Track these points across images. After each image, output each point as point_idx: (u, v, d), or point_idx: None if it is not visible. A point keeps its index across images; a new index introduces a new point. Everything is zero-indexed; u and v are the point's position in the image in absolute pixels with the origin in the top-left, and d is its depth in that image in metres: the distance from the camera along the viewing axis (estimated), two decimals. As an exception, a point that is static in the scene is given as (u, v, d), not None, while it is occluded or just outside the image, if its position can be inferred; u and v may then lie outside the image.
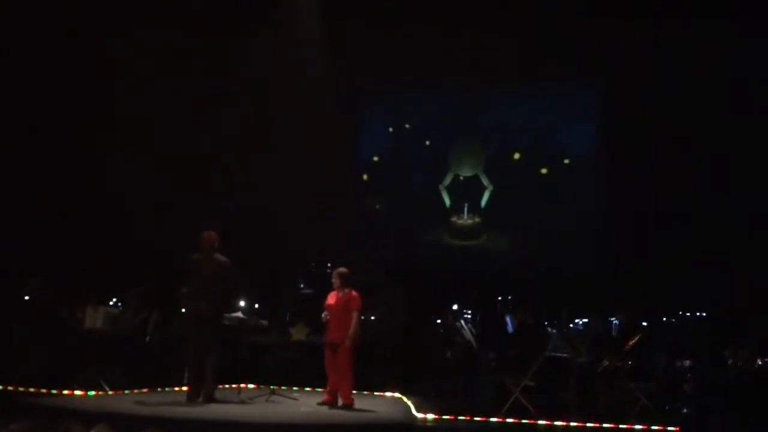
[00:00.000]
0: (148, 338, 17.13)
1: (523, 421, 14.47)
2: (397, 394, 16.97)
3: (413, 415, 14.73)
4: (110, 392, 15.32)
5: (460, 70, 22.82)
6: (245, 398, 15.17)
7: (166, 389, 15.62)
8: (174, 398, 14.65)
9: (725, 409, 15.75)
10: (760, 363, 16.46)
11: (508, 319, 17.78)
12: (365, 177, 24.34)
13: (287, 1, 22.13)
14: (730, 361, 16.36)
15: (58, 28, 21.22)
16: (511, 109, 23.84)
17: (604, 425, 14.24)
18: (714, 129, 21.28)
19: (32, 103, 21.56)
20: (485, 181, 23.60)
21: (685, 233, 20.76)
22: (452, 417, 14.42)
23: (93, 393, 15.09)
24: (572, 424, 14.32)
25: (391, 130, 24.27)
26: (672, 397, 16.21)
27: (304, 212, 21.74)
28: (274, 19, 21.86)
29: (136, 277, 19.89)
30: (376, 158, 24.34)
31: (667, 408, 15.91)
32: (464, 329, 16.60)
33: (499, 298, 20.60)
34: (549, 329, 17.19)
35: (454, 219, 23.60)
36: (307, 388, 17.00)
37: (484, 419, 14.42)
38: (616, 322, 18.21)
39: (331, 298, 15.25)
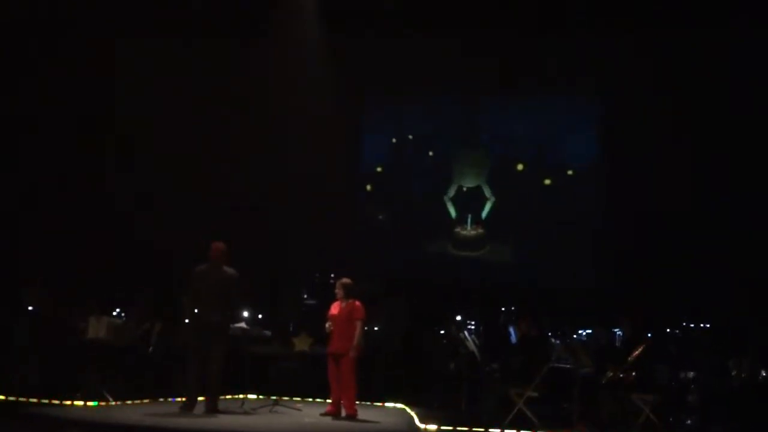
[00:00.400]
0: (151, 348, 17.12)
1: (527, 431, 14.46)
2: (400, 405, 16.96)
3: (416, 425, 14.71)
4: (113, 402, 15.29)
5: (462, 81, 22.81)
6: (248, 409, 15.19)
7: (169, 400, 15.58)
8: (177, 409, 14.58)
9: (729, 421, 15.73)
10: (764, 374, 16.42)
11: (511, 330, 17.74)
12: (368, 187, 24.32)
13: (289, 6, 22.15)
14: (733, 373, 16.30)
15: (58, 29, 21.20)
16: (512, 120, 23.79)
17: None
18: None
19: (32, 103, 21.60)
20: (487, 193, 23.58)
21: (690, 244, 20.71)
22: (455, 428, 14.33)
23: (96, 403, 15.04)
24: (575, 435, 14.35)
25: (394, 140, 24.26)
26: (676, 408, 16.16)
27: (307, 222, 21.75)
28: (275, 23, 21.92)
29: (137, 281, 19.99)
30: (379, 168, 24.31)
31: (670, 419, 15.88)
32: (468, 340, 16.57)
33: (503, 308, 20.56)
34: (552, 340, 17.14)
35: (457, 230, 23.57)
36: (310, 399, 17.00)
37: (487, 430, 14.34)
38: (619, 333, 18.16)
39: (335, 309, 15.26)
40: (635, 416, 15.10)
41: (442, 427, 14.35)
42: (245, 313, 17.91)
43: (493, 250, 23.27)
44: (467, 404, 16.58)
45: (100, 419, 13.57)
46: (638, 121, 22.12)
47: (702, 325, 19.89)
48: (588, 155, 23.22)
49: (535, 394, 15.19)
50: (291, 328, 19.41)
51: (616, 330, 18.41)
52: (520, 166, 23.58)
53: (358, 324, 15.02)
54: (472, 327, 19.65)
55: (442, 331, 19.50)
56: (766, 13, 20.20)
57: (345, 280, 15.40)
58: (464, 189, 23.70)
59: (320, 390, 16.31)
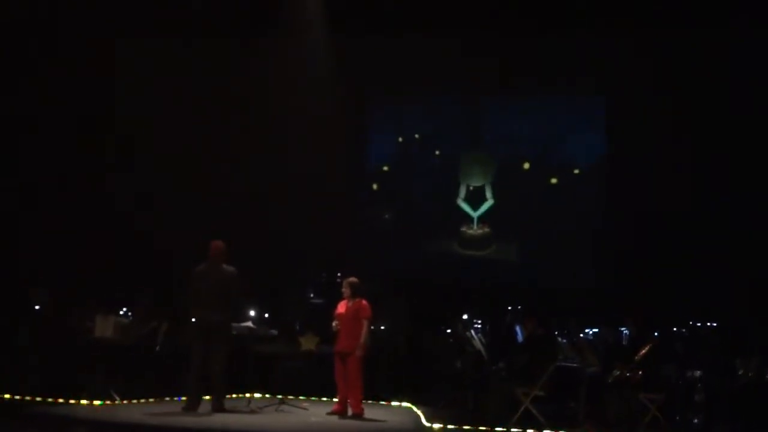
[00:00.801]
0: (157, 347, 17.08)
1: (533, 431, 14.37)
2: (406, 404, 16.95)
3: (423, 424, 14.72)
4: (119, 401, 15.30)
5: (462, 81, 22.74)
6: (255, 408, 15.17)
7: (176, 399, 15.54)
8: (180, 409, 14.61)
9: (736, 420, 15.72)
10: (772, 373, 16.43)
11: (518, 329, 17.71)
12: (374, 186, 24.24)
13: (289, 6, 22.14)
14: (740, 372, 16.26)
15: (58, 29, 21.14)
16: (513, 120, 23.73)
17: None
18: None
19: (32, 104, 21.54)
20: (488, 194, 23.56)
21: (696, 243, 20.74)
22: (462, 427, 14.31)
23: (102, 402, 15.05)
24: (582, 434, 14.35)
25: (400, 139, 24.18)
26: (682, 407, 16.13)
27: (307, 222, 21.69)
28: (275, 23, 21.89)
29: (137, 281, 19.96)
30: (385, 168, 24.23)
31: (677, 418, 15.88)
32: (474, 339, 16.55)
33: (509, 307, 20.53)
34: (559, 339, 17.09)
35: (464, 229, 23.51)
36: (317, 398, 16.98)
37: (493, 429, 14.30)
38: (626, 332, 18.15)
39: (342, 308, 15.27)
40: (642, 415, 15.12)
41: (449, 426, 14.32)
42: (252, 312, 17.88)
43: (499, 249, 23.21)
44: (474, 403, 16.54)
45: (106, 418, 13.60)
46: (638, 121, 22.13)
47: (709, 324, 19.86)
48: (589, 155, 23.15)
49: (542, 393, 15.20)
50: (297, 327, 19.40)
51: (623, 329, 18.38)
52: (526, 165, 23.50)
53: (365, 323, 15.04)
54: (479, 326, 19.61)
55: (448, 330, 19.46)
56: (766, 13, 20.20)
57: (352, 279, 15.42)
58: (471, 188, 23.63)
59: (327, 389, 16.31)
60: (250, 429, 13.54)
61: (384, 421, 14.95)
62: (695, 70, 21.53)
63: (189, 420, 13.80)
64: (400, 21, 21.84)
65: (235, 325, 15.30)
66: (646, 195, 21.65)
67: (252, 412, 14.91)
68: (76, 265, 20.20)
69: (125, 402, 15.36)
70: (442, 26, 21.89)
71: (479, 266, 23.11)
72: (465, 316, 20.16)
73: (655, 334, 17.13)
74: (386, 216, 24.00)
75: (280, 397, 15.79)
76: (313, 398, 17.08)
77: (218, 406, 14.60)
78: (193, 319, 14.92)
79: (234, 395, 15.78)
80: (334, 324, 15.21)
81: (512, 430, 14.37)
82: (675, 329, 19.50)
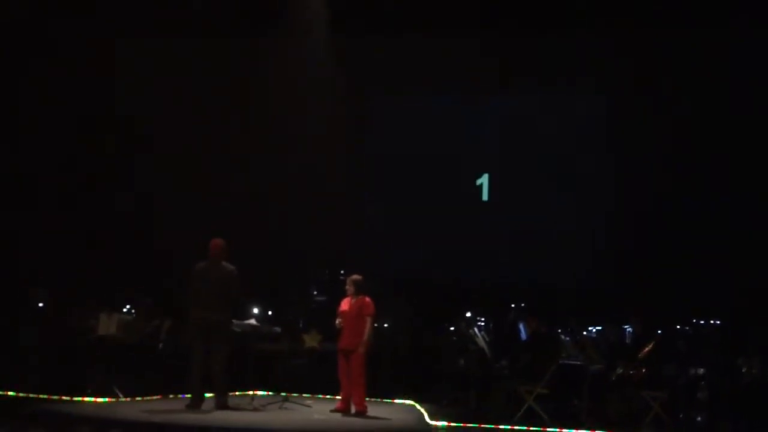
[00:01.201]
0: (160, 345, 17.08)
1: (536, 428, 14.39)
2: (410, 402, 16.91)
3: (426, 422, 14.71)
4: (123, 399, 15.30)
5: (468, 80, 22.74)
6: (258, 406, 15.14)
7: (179, 396, 15.50)
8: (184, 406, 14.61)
9: (738, 418, 15.73)
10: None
11: (521, 327, 17.70)
12: (374, 186, 24.22)
13: (289, 6, 22.19)
14: (743, 370, 16.30)
15: (58, 29, 21.13)
16: (513, 120, 23.72)
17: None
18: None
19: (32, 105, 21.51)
20: (485, 195, 23.66)
21: (699, 241, 20.79)
22: (465, 424, 14.33)
23: (106, 400, 15.07)
24: (585, 432, 14.35)
25: (400, 139, 24.15)
26: (685, 405, 16.16)
27: (312, 222, 21.71)
28: (275, 23, 21.93)
29: (137, 281, 19.96)
30: (385, 167, 24.19)
31: (680, 416, 15.90)
32: (477, 336, 16.56)
33: (512, 305, 20.53)
34: (562, 337, 17.10)
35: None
36: (320, 396, 16.94)
37: (497, 427, 14.33)
38: (629, 330, 18.15)
39: (345, 305, 15.25)
40: (645, 413, 15.14)
41: (452, 424, 14.33)
42: (255, 310, 17.88)
43: (501, 246, 23.21)
44: (477, 401, 16.55)
45: (110, 416, 13.55)
46: (638, 120, 22.18)
47: (712, 322, 19.89)
48: (590, 155, 23.14)
49: (545, 391, 15.24)
50: (301, 325, 19.42)
51: (626, 327, 18.39)
52: (526, 165, 23.50)
53: (368, 320, 15.03)
54: (482, 324, 19.60)
55: (452, 328, 19.47)
56: (766, 13, 20.24)
57: (355, 276, 15.42)
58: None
59: (330, 387, 16.24)
60: (253, 427, 13.47)
61: (387, 418, 14.93)
62: (695, 70, 21.55)
63: (192, 417, 13.77)
64: (400, 21, 21.83)
65: (238, 322, 15.30)
66: (646, 194, 21.69)
67: (255, 409, 14.86)
68: (77, 265, 20.16)
69: (128, 399, 15.34)
70: (442, 26, 21.88)
71: (480, 265, 23.07)
72: (468, 314, 20.17)
73: (659, 332, 17.14)
74: (386, 215, 23.94)
75: (284, 394, 15.74)
76: (317, 396, 17.03)
77: (221, 404, 14.58)
78: (193, 318, 14.86)
79: (237, 393, 15.72)
80: (337, 321, 15.20)
81: (515, 427, 14.37)
82: (678, 327, 19.55)
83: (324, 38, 22.55)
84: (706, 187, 21.13)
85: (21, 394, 14.92)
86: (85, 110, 21.58)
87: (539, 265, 22.64)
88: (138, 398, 15.43)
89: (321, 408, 15.49)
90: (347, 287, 15.33)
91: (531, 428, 14.39)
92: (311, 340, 17.93)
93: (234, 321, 15.14)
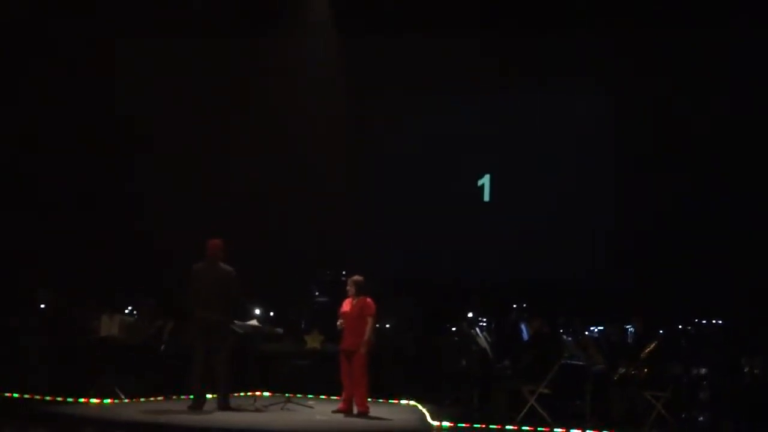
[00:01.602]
0: (163, 346, 17.07)
1: (539, 429, 14.37)
2: (412, 402, 16.93)
3: (428, 422, 14.71)
4: (126, 400, 15.30)
5: (468, 80, 22.76)
6: (260, 406, 15.15)
7: (181, 397, 15.52)
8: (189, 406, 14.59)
9: (740, 418, 15.73)
10: (777, 371, 16.46)
11: (523, 327, 17.71)
12: (374, 186, 24.19)
13: (290, 7, 22.23)
14: (746, 370, 16.31)
15: (58, 29, 21.11)
16: (513, 119, 23.72)
17: (620, 433, 14.28)
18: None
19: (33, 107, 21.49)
20: (485, 196, 23.66)
21: (700, 241, 20.83)
22: (467, 425, 14.31)
23: (108, 401, 15.07)
24: (588, 432, 14.35)
25: (400, 139, 24.14)
26: (688, 405, 16.16)
27: (312, 222, 21.72)
28: (279, 22, 22.00)
29: (137, 281, 19.94)
30: (385, 167, 24.17)
31: (682, 416, 15.88)
32: (479, 337, 16.55)
33: (514, 305, 20.53)
34: (564, 337, 17.10)
35: None
36: (322, 396, 16.96)
37: (499, 427, 14.30)
38: (631, 329, 18.16)
39: (346, 306, 15.26)
40: (647, 413, 15.12)
41: (454, 424, 14.32)
42: (257, 311, 17.89)
43: (503, 246, 23.21)
44: (479, 401, 16.54)
45: (113, 417, 13.59)
46: (638, 120, 22.23)
47: (714, 322, 19.90)
48: (597, 150, 23.15)
49: (547, 391, 15.20)
50: (303, 326, 19.42)
51: (628, 327, 18.39)
52: (527, 164, 23.49)
53: (369, 320, 15.03)
54: (484, 324, 19.59)
55: (453, 328, 19.46)
56: (766, 13, 20.25)
57: (357, 277, 15.42)
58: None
59: (332, 387, 16.23)
60: (255, 427, 13.47)
61: (389, 419, 14.93)
62: (695, 69, 21.57)
63: (194, 418, 13.79)
64: (400, 21, 21.87)
65: (240, 323, 15.30)
66: (647, 194, 21.71)
67: (257, 410, 14.87)
68: (77, 266, 20.14)
69: (131, 400, 15.35)
70: (442, 26, 21.93)
71: (481, 265, 23.06)
72: (470, 315, 20.17)
73: (661, 332, 17.13)
74: (387, 216, 23.90)
75: (286, 395, 15.75)
76: (320, 396, 17.05)
77: (224, 405, 14.60)
78: (194, 318, 14.85)
79: (240, 393, 15.72)
80: (339, 322, 15.21)
81: (518, 428, 14.36)
82: (680, 327, 19.56)
83: (324, 38, 22.59)
84: (706, 187, 21.12)
85: (23, 396, 14.92)
86: (85, 110, 21.53)
87: (540, 264, 22.63)
88: (141, 399, 15.46)
89: (323, 409, 15.50)
90: (348, 288, 15.35)
91: (533, 428, 14.35)
92: (313, 341, 17.96)
93: (236, 322, 15.16)
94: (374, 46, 22.72)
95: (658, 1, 21.15)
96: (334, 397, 16.07)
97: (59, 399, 14.89)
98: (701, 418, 16.02)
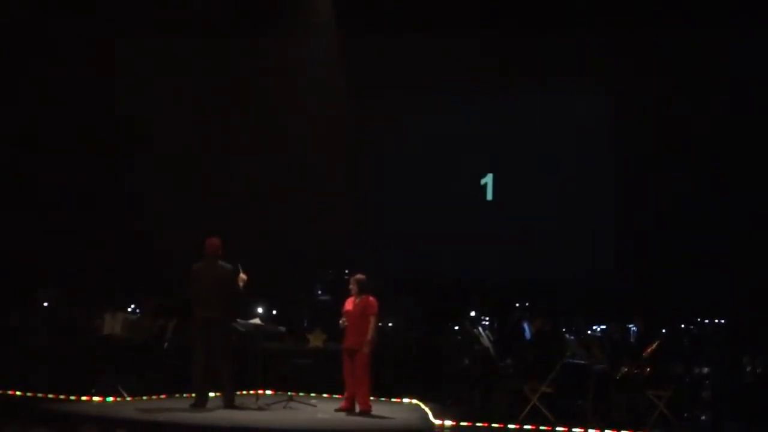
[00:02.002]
0: (165, 345, 17.04)
1: (541, 428, 14.42)
2: (414, 401, 16.87)
3: (431, 421, 14.69)
4: (128, 398, 15.29)
5: (468, 80, 22.76)
6: (263, 405, 15.13)
7: (184, 395, 15.51)
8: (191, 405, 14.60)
9: (743, 417, 15.73)
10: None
11: (525, 326, 17.72)
12: (374, 186, 24.18)
13: (290, 7, 22.26)
14: (748, 369, 16.31)
15: (58, 29, 21.10)
16: (513, 119, 23.72)
17: (622, 432, 14.26)
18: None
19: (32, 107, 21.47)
20: (489, 194, 23.67)
21: (700, 240, 20.86)
22: (470, 423, 14.36)
23: (111, 399, 15.07)
24: (590, 431, 14.30)
25: (400, 139, 24.12)
26: (690, 404, 16.14)
27: (312, 221, 21.72)
28: (279, 22, 22.05)
29: (137, 281, 19.94)
30: (385, 167, 24.16)
31: (684, 415, 15.86)
32: (482, 336, 16.54)
33: (517, 304, 20.53)
34: (567, 336, 17.11)
35: None
36: (325, 395, 16.91)
37: (501, 426, 14.35)
38: (634, 328, 18.16)
39: (349, 304, 15.24)
40: (649, 412, 15.12)
41: (457, 423, 14.34)
42: (259, 309, 17.88)
43: (504, 245, 23.21)
44: (481, 400, 16.50)
45: (115, 415, 13.60)
46: (638, 120, 22.25)
47: (716, 321, 19.89)
48: (597, 150, 23.15)
49: (550, 390, 15.20)
50: (305, 325, 19.42)
51: (630, 326, 18.40)
52: (527, 164, 23.49)
53: (372, 319, 15.00)
54: (486, 323, 19.60)
55: (456, 327, 19.45)
56: (766, 13, 20.28)
57: (359, 275, 15.39)
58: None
59: (334, 386, 16.21)
60: (258, 426, 13.47)
61: (392, 417, 14.89)
62: (695, 70, 21.60)
63: (197, 417, 13.83)
64: (400, 21, 21.89)
65: (242, 322, 15.33)
66: (647, 194, 21.73)
67: (260, 408, 14.87)
68: (78, 265, 20.15)
69: (134, 399, 15.34)
70: (442, 26, 21.94)
71: (483, 265, 23.06)
72: (473, 313, 20.18)
73: (663, 331, 17.14)
74: (387, 216, 23.89)
75: (290, 393, 15.73)
76: (322, 395, 17.00)
77: (228, 403, 14.62)
78: (194, 317, 14.84)
79: (242, 392, 15.70)
80: (341, 321, 15.20)
81: (520, 427, 14.37)
82: (682, 326, 19.55)
83: (324, 38, 22.59)
84: (706, 187, 21.15)
85: (26, 394, 14.93)
86: (85, 110, 21.51)
87: (541, 264, 22.63)
88: (143, 398, 15.46)
89: (325, 407, 15.45)
90: (351, 287, 15.31)
91: (536, 427, 14.39)
92: (316, 340, 17.94)
93: (238, 320, 15.17)
94: (374, 46, 22.74)
95: (658, 1, 21.19)
96: (337, 396, 16.05)
97: (61, 397, 14.89)
98: (703, 418, 15.95)
